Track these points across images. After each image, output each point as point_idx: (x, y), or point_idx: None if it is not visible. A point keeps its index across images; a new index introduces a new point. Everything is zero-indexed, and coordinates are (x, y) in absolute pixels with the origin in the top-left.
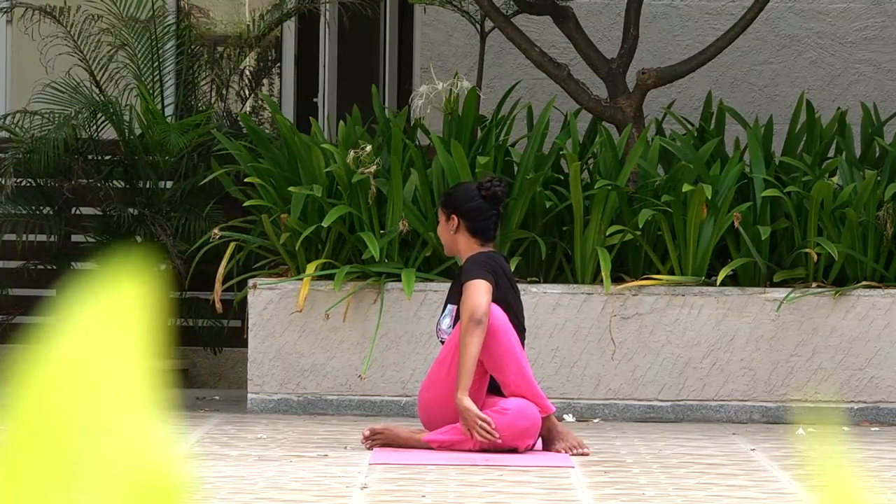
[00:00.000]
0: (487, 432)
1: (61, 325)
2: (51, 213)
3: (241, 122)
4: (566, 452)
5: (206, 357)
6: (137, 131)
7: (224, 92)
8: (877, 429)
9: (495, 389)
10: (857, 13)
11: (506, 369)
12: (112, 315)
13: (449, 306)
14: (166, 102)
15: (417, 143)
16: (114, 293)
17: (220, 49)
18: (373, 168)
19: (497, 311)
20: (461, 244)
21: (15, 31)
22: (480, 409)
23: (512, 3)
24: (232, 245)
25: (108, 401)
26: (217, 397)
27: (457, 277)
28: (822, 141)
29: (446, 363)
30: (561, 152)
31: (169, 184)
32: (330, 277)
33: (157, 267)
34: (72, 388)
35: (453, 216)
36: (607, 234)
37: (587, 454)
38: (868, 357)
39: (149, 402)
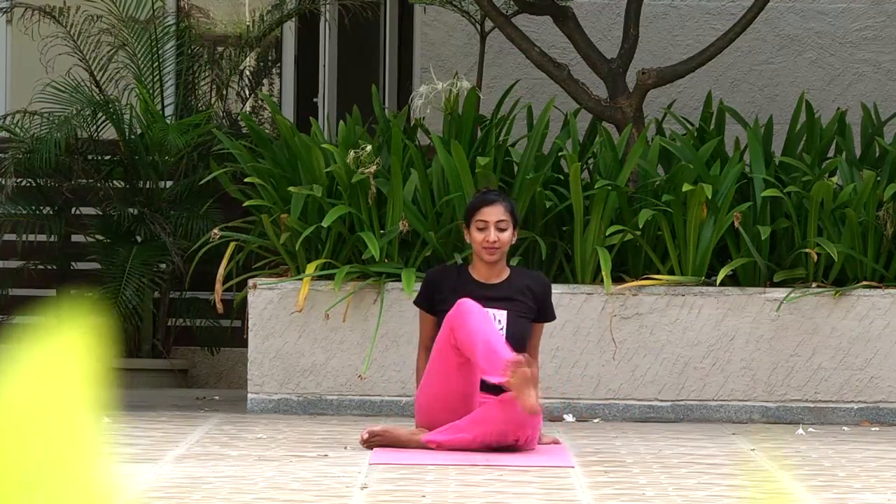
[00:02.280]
0: None
1: (7, 377)
2: (51, 213)
3: (241, 122)
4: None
5: (205, 357)
6: (137, 131)
7: (224, 92)
8: (877, 429)
9: (491, 390)
10: (857, 13)
11: (474, 349)
12: (56, 367)
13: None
14: (166, 102)
15: (417, 143)
16: (57, 346)
17: (220, 49)
18: (373, 168)
19: (465, 300)
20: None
21: (15, 31)
22: (476, 408)
23: (512, 3)
24: (232, 245)
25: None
26: (217, 397)
27: (510, 288)
28: (822, 141)
29: (442, 364)
30: (561, 152)
31: (169, 183)
32: (330, 277)
33: (99, 318)
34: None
35: (516, 230)
36: (607, 234)
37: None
38: (868, 357)
39: (91, 453)
